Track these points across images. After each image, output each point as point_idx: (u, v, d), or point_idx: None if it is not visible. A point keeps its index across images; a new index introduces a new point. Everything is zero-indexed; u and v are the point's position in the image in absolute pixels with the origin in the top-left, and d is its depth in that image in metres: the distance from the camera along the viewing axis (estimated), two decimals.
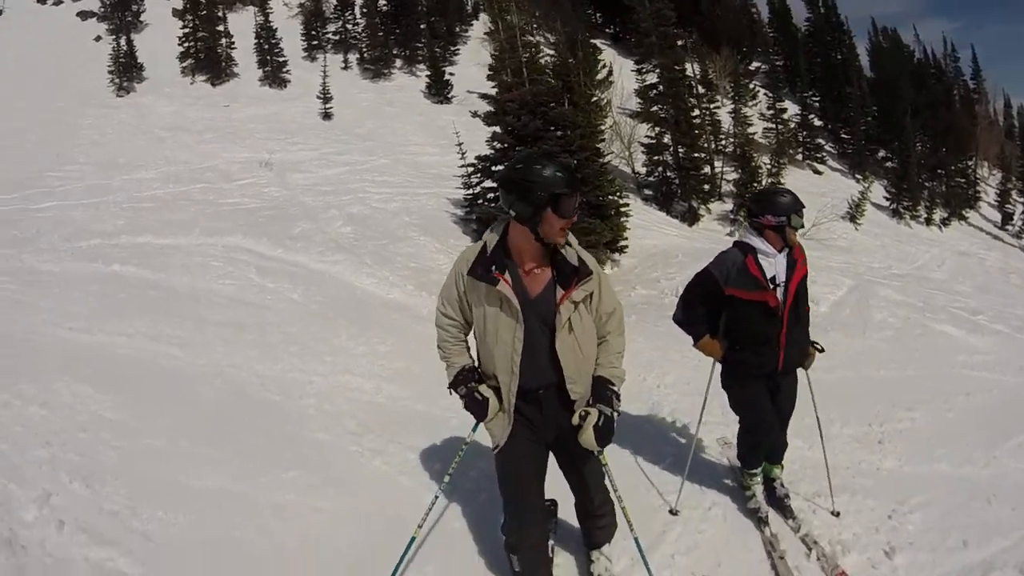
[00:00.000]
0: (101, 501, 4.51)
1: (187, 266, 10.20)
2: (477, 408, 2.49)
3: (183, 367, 6.95)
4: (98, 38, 35.73)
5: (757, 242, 3.50)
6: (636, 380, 5.82)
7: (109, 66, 28.24)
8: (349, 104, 24.81)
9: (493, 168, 12.97)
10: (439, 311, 2.59)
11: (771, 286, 3.45)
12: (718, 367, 3.86)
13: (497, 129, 13.09)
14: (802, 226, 3.46)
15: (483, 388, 2.50)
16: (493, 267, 2.34)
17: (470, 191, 13.29)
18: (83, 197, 13.79)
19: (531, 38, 17.04)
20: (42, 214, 12.63)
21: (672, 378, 6.37)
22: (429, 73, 30.15)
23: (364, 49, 33.90)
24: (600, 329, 2.54)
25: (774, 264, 3.49)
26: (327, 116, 23.99)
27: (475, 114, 13.91)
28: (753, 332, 3.56)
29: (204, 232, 11.79)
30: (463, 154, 13.29)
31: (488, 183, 13.14)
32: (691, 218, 21.33)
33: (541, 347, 2.39)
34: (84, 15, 39.88)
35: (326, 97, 24.27)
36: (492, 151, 13.13)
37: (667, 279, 10.76)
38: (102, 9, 39.17)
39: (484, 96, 14.05)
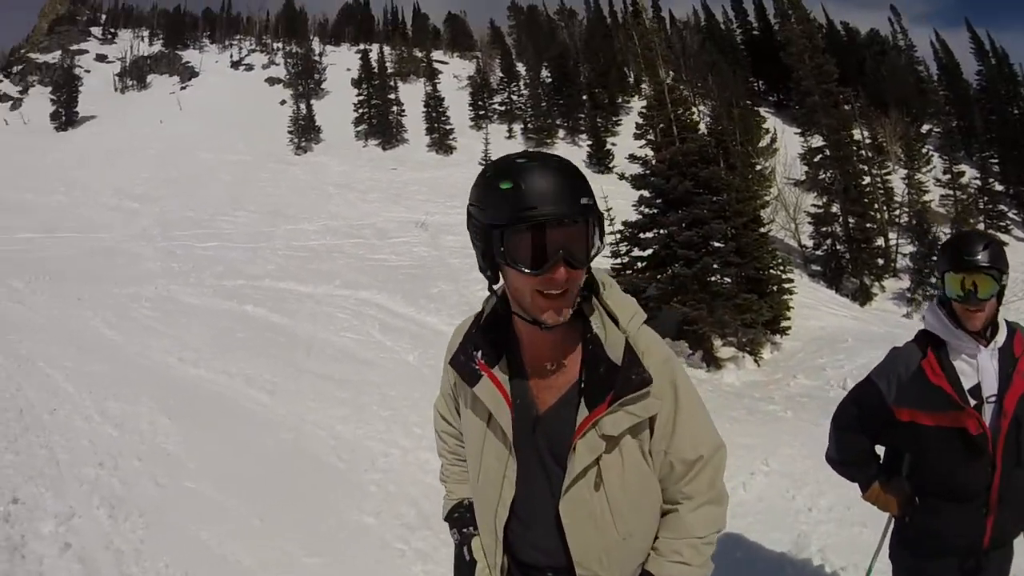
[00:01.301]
0: (115, 535, 4.74)
1: (314, 315, 11.26)
2: (461, 571, 1.71)
3: (264, 414, 7.38)
4: (283, 102, 45.58)
5: (944, 328, 2.41)
6: (782, 499, 5.35)
7: (290, 127, 36.73)
8: None
9: (640, 236, 13.26)
10: (435, 409, 1.93)
11: (970, 403, 2.32)
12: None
13: (645, 192, 13.44)
14: (1001, 289, 2.29)
15: (477, 543, 1.70)
16: (479, 353, 1.54)
17: (617, 260, 13.67)
18: (245, 241, 16.51)
19: (682, 93, 17.74)
20: (204, 252, 15.30)
21: (829, 500, 5.21)
22: (591, 143, 34.21)
23: (528, 119, 39.81)
24: (669, 488, 1.55)
25: (975, 366, 2.36)
26: None
27: (622, 176, 14.11)
28: (943, 479, 2.43)
29: (343, 284, 13.14)
30: (611, 221, 13.71)
31: (636, 251, 13.46)
32: (863, 297, 21.36)
33: (547, 501, 1.50)
34: (272, 81, 52.59)
35: (487, 164, 28.31)
36: (639, 216, 13.43)
37: (834, 367, 10.40)
38: (288, 76, 51.35)
39: (632, 157, 14.10)
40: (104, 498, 5.27)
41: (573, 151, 34.61)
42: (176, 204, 21.26)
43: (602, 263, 14.60)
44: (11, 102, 55.34)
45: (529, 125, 38.94)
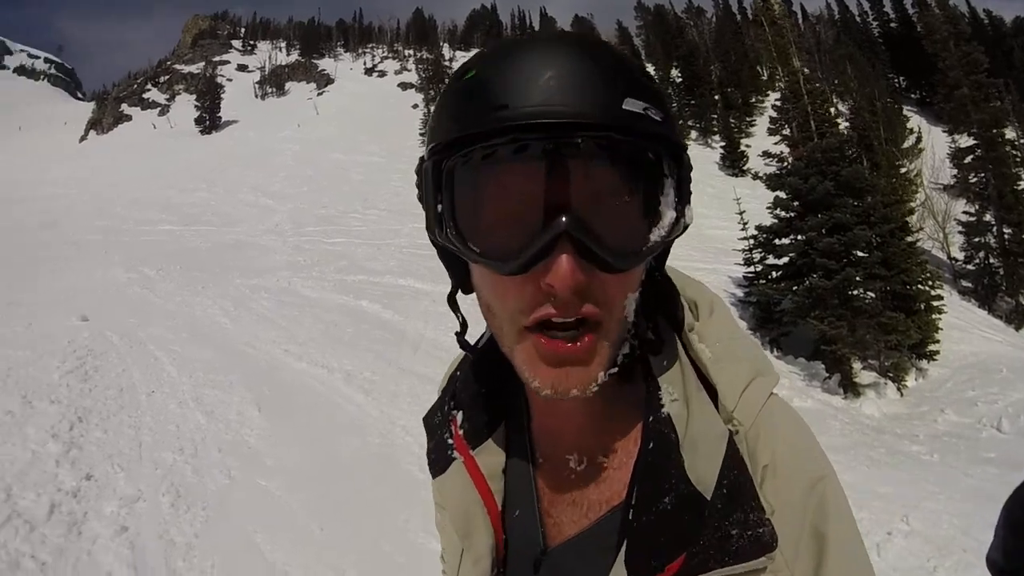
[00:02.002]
0: (172, 525, 4.88)
1: (427, 313, 11.40)
2: None
3: (356, 414, 7.44)
4: (415, 105, 49.98)
5: None
6: (921, 569, 5.00)
7: (421, 130, 38.75)
8: None
9: (776, 242, 13.12)
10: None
11: None
12: None
13: (781, 194, 13.23)
14: None
15: None
16: (459, 416, 1.04)
17: (750, 268, 13.64)
18: (371, 238, 17.22)
19: (818, 85, 17.59)
20: (331, 247, 16.10)
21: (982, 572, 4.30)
22: (723, 144, 34.41)
23: None
24: None
25: None
26: None
27: (756, 176, 14.24)
28: None
29: None
30: (744, 224, 13.76)
31: (771, 259, 13.33)
32: (1019, 319, 20.02)
33: None
34: (404, 86, 58.34)
35: None
36: (775, 220, 13.30)
37: (987, 401, 9.84)
38: (419, 81, 56.19)
39: (767, 155, 14.33)
40: (173, 485, 5.49)
41: (706, 153, 34.96)
42: (309, 201, 22.67)
43: (737, 271, 14.49)
44: (159, 108, 66.35)
45: None
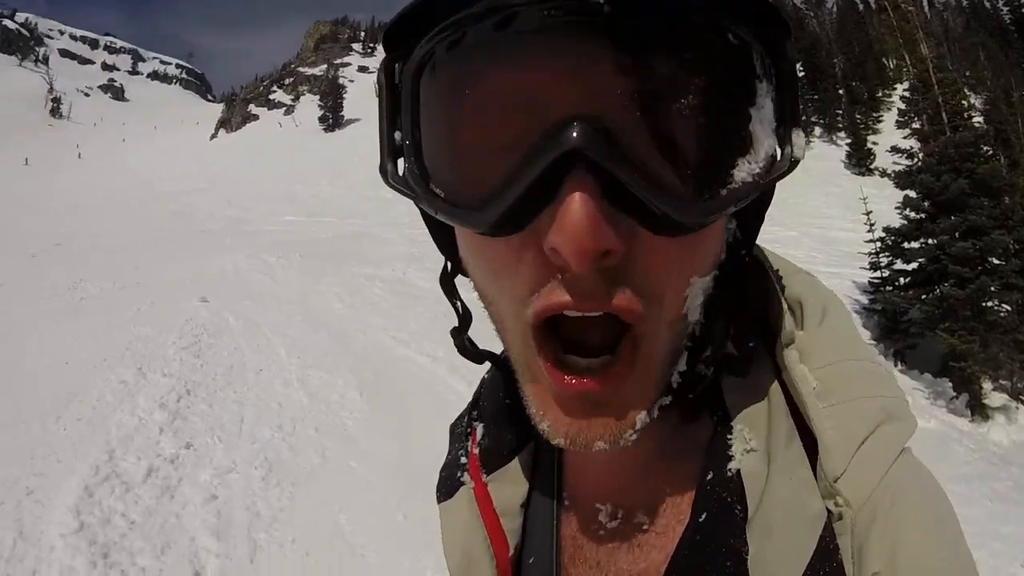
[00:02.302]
0: (260, 498, 5.01)
1: None
2: None
3: (457, 403, 7.39)
4: None
5: None
6: None
7: None
8: None
9: (904, 245, 12.61)
10: None
11: None
12: None
13: (910, 193, 12.75)
14: None
15: None
16: (479, 430, 0.87)
17: (876, 273, 13.16)
18: None
19: (950, 74, 16.70)
20: None
21: None
22: (849, 141, 33.93)
23: None
24: None
25: None
26: None
27: (884, 173, 13.76)
28: None
29: None
30: (871, 226, 13.24)
31: (899, 264, 12.86)
32: None
33: None
34: None
35: None
36: (904, 222, 12.81)
37: None
38: None
39: (895, 149, 13.49)
40: (267, 460, 5.64)
41: (831, 151, 34.55)
42: None
43: (863, 276, 13.89)
44: (285, 108, 72.25)
45: None
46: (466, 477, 0.82)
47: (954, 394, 10.42)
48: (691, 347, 0.61)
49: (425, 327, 10.04)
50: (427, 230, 0.70)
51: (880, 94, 41.69)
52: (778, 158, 0.52)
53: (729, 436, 0.62)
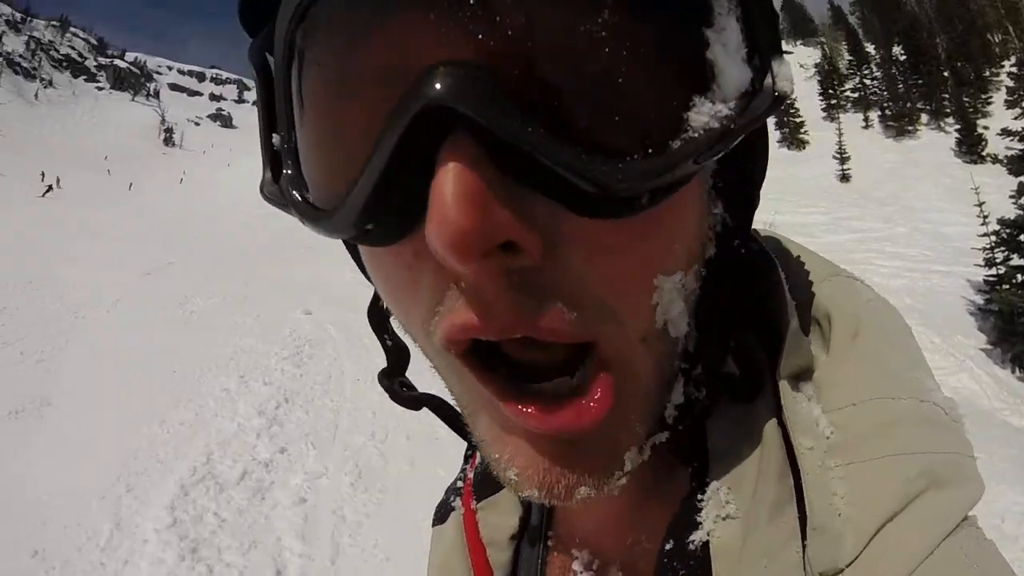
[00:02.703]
0: (347, 503, 5.21)
1: None
2: None
3: None
4: None
5: None
6: None
7: None
8: (869, 165, 29.11)
9: (1021, 238, 12.57)
10: None
11: None
12: None
13: None
14: None
15: None
16: (472, 472, 0.83)
17: (992, 271, 12.93)
18: None
19: None
20: None
21: None
22: (959, 127, 33.20)
23: (885, 104, 40.45)
24: None
25: None
26: (844, 178, 29.31)
27: (995, 159, 13.14)
28: None
29: None
30: (984, 218, 13.13)
31: (1016, 260, 12.74)
32: None
33: None
34: None
35: (843, 158, 29.90)
36: (1020, 212, 12.70)
37: None
38: None
39: (1006, 132, 13.71)
40: (357, 466, 5.84)
41: (939, 139, 33.76)
42: None
43: (977, 274, 13.56)
44: None
45: (887, 111, 39.96)
46: (457, 502, 0.78)
47: None
48: (687, 368, 0.50)
49: None
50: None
51: (987, 73, 40.48)
52: (756, 94, 0.37)
53: (700, 497, 0.50)
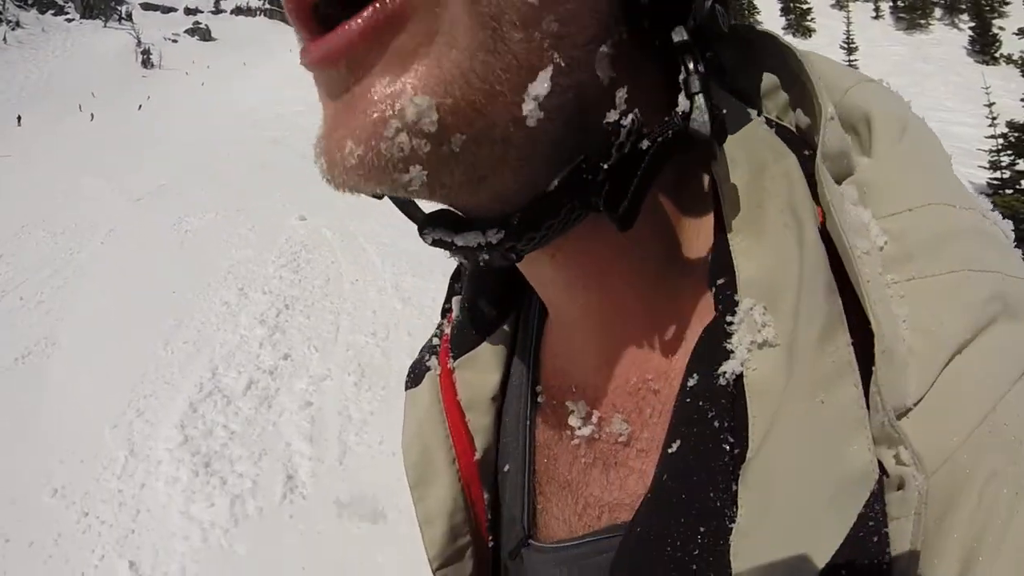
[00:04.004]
0: (352, 402, 5.21)
1: None
2: None
3: None
4: None
5: None
6: None
7: None
8: (876, 57, 28.85)
9: None
10: None
11: None
12: None
13: None
14: None
15: None
16: (454, 309, 0.75)
17: (996, 174, 12.56)
18: None
19: None
20: None
21: None
22: (973, 24, 32.48)
23: None
24: None
25: None
26: None
27: (1009, 60, 12.29)
28: None
29: None
30: (992, 120, 12.63)
31: (1022, 165, 12.36)
32: None
33: None
34: None
35: (850, 48, 29.09)
36: None
37: None
38: None
39: (1023, 33, 12.97)
40: (360, 365, 5.84)
41: (952, 35, 33.24)
42: None
43: (981, 177, 13.26)
44: None
45: (899, 3, 38.98)
46: (433, 361, 0.70)
47: None
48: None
49: None
50: None
51: None
52: None
53: (730, 319, 0.41)
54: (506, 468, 0.64)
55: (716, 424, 0.39)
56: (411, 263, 8.50)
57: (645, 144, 0.39)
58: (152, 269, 9.12)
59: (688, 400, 0.42)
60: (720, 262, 0.43)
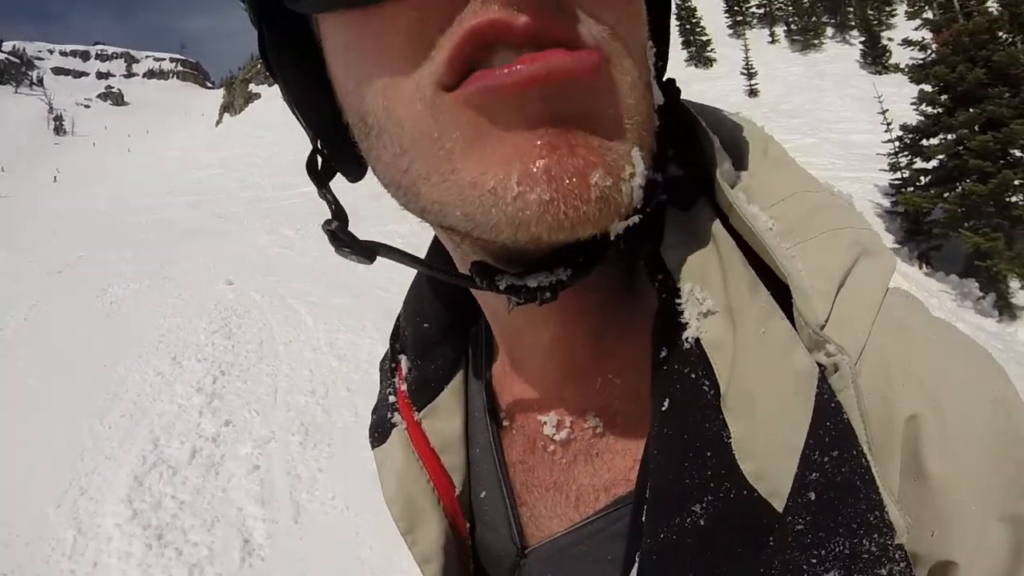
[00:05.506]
0: (299, 462, 5.22)
1: None
2: None
3: None
4: None
5: None
6: None
7: None
8: (776, 79, 29.40)
9: (923, 143, 12.60)
10: None
11: None
12: None
13: (926, 87, 12.61)
14: None
15: None
16: (403, 361, 0.79)
17: (896, 175, 13.14)
18: None
19: None
20: None
21: None
22: (863, 39, 33.04)
23: (790, 19, 39.80)
24: None
25: None
26: (752, 93, 29.13)
27: (898, 68, 13.39)
28: None
29: None
30: (887, 125, 13.33)
31: (919, 163, 12.79)
32: None
33: None
34: None
35: (750, 73, 29.78)
36: (921, 118, 12.69)
37: None
38: None
39: (907, 42, 13.54)
40: (303, 425, 5.88)
41: (844, 51, 34.29)
42: None
43: (883, 179, 13.69)
44: None
45: (792, 26, 40.08)
46: (397, 417, 0.74)
47: (981, 294, 10.37)
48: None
49: None
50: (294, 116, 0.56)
51: None
52: None
53: (678, 300, 0.50)
54: (482, 494, 0.69)
55: (693, 376, 0.47)
56: (342, 320, 8.57)
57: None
58: (80, 343, 8.88)
59: (664, 368, 0.49)
60: (653, 262, 0.54)
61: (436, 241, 0.69)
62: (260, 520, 4.63)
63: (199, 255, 13.42)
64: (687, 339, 0.48)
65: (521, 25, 0.36)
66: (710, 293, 0.49)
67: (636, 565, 0.48)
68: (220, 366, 7.39)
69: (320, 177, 0.58)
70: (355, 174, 0.58)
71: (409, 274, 0.73)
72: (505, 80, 0.36)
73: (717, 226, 0.51)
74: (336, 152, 0.55)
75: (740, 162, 0.55)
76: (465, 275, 0.50)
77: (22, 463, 5.84)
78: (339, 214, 0.55)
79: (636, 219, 0.43)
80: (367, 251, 0.54)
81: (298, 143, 31.33)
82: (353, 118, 0.45)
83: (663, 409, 0.48)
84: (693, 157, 0.55)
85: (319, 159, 0.57)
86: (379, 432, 0.76)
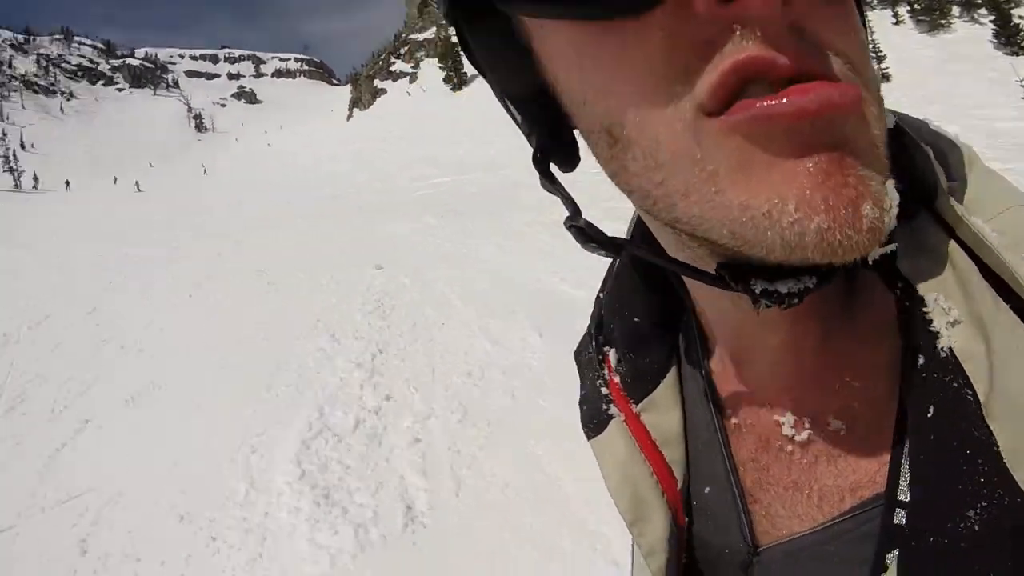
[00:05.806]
0: (459, 438, 5.30)
1: None
2: None
3: None
4: None
5: None
6: None
7: None
8: (907, 63, 28.13)
9: None
10: None
11: None
12: None
13: None
14: None
15: None
16: (611, 354, 0.79)
17: None
18: None
19: None
20: (602, 179, 16.65)
21: None
22: (993, 18, 31.73)
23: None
24: None
25: None
26: (884, 78, 28.42)
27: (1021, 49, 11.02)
28: None
29: None
30: None
31: None
32: None
33: None
34: None
35: (879, 57, 29.41)
36: None
37: None
38: None
39: None
40: (461, 404, 5.89)
41: (976, 31, 32.23)
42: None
43: (1020, 166, 12.26)
44: (408, 76, 75.51)
45: (916, 5, 38.74)
46: (614, 409, 0.74)
47: None
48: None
49: (592, 267, 10.00)
50: (510, 117, 0.59)
51: None
52: None
53: (925, 309, 0.50)
54: (706, 490, 0.69)
55: (955, 384, 0.46)
56: (491, 306, 8.61)
57: None
58: (242, 318, 9.41)
59: (924, 375, 0.49)
60: (889, 272, 0.54)
61: (638, 236, 0.72)
62: (422, 490, 4.66)
63: (348, 244, 13.97)
64: (942, 348, 0.49)
65: (782, 65, 0.38)
66: (953, 303, 0.49)
67: (894, 567, 0.50)
68: (377, 344, 7.60)
69: (547, 172, 0.59)
70: (569, 165, 0.60)
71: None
72: (779, 110, 0.38)
73: (946, 238, 0.51)
74: (551, 147, 0.58)
75: (951, 173, 0.54)
76: (716, 276, 0.50)
77: (197, 421, 6.21)
78: (576, 207, 0.57)
79: (893, 247, 0.47)
80: (615, 247, 0.56)
81: (428, 136, 32.71)
82: (592, 126, 0.47)
83: (929, 416, 0.49)
84: (903, 165, 0.52)
85: (537, 154, 0.59)
86: (595, 423, 0.76)
